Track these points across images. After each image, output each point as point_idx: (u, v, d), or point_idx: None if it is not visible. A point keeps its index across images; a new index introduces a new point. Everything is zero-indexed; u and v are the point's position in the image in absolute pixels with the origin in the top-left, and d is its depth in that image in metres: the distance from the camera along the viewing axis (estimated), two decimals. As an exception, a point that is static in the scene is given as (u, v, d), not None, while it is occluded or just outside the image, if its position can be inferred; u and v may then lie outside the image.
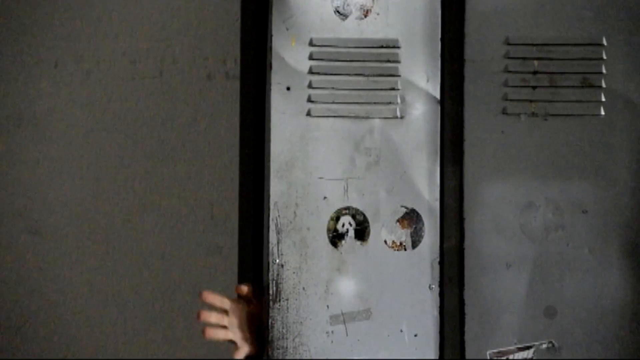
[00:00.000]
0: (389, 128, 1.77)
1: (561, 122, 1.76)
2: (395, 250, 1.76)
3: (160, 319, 2.43)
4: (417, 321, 1.76)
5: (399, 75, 1.77)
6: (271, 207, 1.74)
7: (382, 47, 1.77)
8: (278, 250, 1.74)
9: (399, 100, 1.77)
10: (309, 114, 1.75)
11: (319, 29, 1.76)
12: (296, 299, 1.74)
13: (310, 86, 1.75)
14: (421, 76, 1.78)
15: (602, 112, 1.75)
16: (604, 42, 1.75)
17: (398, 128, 1.78)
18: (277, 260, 1.73)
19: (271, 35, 1.75)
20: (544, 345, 1.74)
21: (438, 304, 1.77)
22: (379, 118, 1.77)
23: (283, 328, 1.73)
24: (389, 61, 1.77)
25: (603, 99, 1.75)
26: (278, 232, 1.74)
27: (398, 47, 1.77)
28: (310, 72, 1.76)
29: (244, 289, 1.76)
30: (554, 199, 1.75)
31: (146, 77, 2.43)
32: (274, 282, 1.73)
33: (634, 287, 1.73)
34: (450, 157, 1.78)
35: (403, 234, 1.77)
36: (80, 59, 2.44)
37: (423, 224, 1.77)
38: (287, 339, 1.73)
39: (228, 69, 2.40)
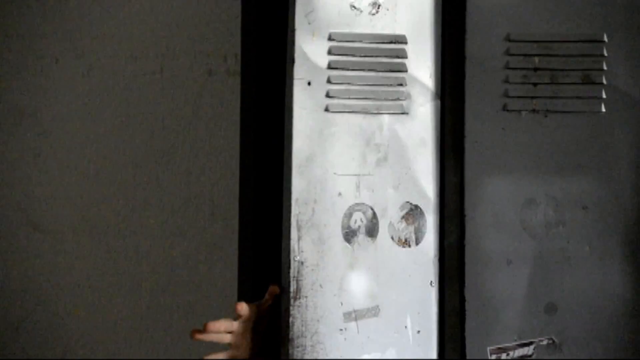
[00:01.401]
0: (396, 124, 1.77)
1: (562, 118, 1.76)
2: (401, 246, 1.76)
3: (160, 315, 2.43)
4: (420, 318, 1.76)
5: (406, 71, 1.77)
6: (292, 203, 1.72)
7: (391, 42, 1.77)
8: (298, 247, 1.72)
9: (405, 96, 1.77)
10: (327, 109, 1.74)
11: (337, 24, 1.75)
12: (314, 297, 1.72)
13: (329, 81, 1.74)
14: (426, 72, 1.78)
15: (603, 109, 1.75)
16: (605, 39, 1.75)
17: (404, 124, 1.77)
18: (297, 258, 1.72)
19: (294, 29, 1.73)
20: (544, 342, 1.75)
21: (435, 300, 1.77)
22: (388, 114, 1.77)
23: (302, 326, 1.71)
24: (397, 57, 1.77)
25: (604, 96, 1.75)
26: (299, 229, 1.72)
27: (405, 43, 1.77)
28: (329, 67, 1.75)
29: (243, 308, 1.70)
30: (555, 196, 1.76)
31: (147, 73, 2.43)
32: (295, 279, 1.71)
33: (634, 284, 1.73)
34: (450, 154, 1.78)
35: (408, 231, 1.77)
36: (80, 55, 2.44)
37: (426, 221, 1.77)
38: (305, 337, 1.70)
39: (229, 65, 2.40)
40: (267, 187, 1.90)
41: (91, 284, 2.44)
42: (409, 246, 1.77)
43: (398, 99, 1.77)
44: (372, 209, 1.75)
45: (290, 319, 1.71)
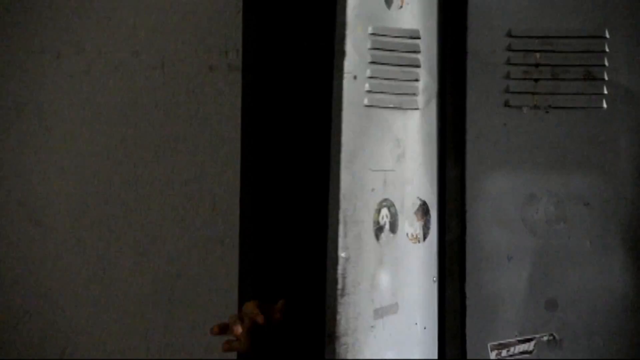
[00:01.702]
0: (411, 119, 1.76)
1: (563, 114, 1.76)
2: (413, 242, 1.76)
3: (160, 311, 2.43)
4: (427, 314, 1.76)
5: (420, 66, 1.76)
6: (341, 199, 1.70)
7: (411, 37, 1.76)
8: (344, 243, 1.70)
9: (419, 91, 1.76)
10: (366, 104, 1.73)
11: (375, 18, 1.73)
12: (354, 294, 1.69)
13: (370, 76, 1.73)
14: (433, 68, 1.78)
15: (604, 105, 1.75)
16: (607, 35, 1.75)
17: (417, 119, 1.77)
18: (343, 254, 1.71)
19: (344, 22, 1.71)
20: (545, 338, 1.75)
21: (437, 297, 1.78)
22: (406, 109, 1.76)
23: (346, 324, 1.69)
24: (414, 52, 1.76)
25: (605, 92, 1.75)
26: (345, 225, 1.71)
27: (418, 38, 1.76)
28: (372, 61, 1.73)
29: (238, 329, 1.71)
30: (556, 192, 1.76)
31: (148, 69, 2.42)
32: (342, 276, 1.69)
33: (635, 280, 1.73)
34: (452, 149, 1.78)
35: (418, 226, 1.76)
36: (82, 50, 2.44)
37: (431, 216, 1.77)
38: (347, 334, 1.68)
39: (230, 61, 2.40)
40: (269, 182, 1.90)
41: (92, 278, 2.44)
42: (419, 242, 1.77)
43: (414, 94, 1.76)
44: (394, 204, 1.75)
45: (337, 317, 1.68)
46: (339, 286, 1.69)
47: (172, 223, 2.42)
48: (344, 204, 1.70)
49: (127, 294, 2.43)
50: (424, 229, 1.77)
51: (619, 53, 1.75)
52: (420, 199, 1.77)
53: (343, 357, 1.68)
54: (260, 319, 1.68)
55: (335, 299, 1.69)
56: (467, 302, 1.76)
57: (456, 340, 1.76)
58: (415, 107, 1.76)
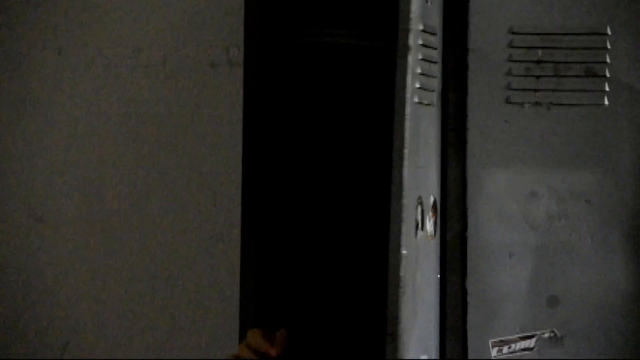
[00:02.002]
0: (430, 115, 1.76)
1: (565, 111, 1.76)
2: (429, 239, 1.76)
3: (162, 307, 2.43)
4: (435, 311, 1.76)
5: (437, 63, 1.76)
6: (404, 197, 1.68)
7: (433, 34, 1.75)
8: (405, 242, 1.68)
9: (435, 87, 1.76)
10: (415, 101, 1.72)
11: (423, 14, 1.72)
12: (407, 293, 1.68)
13: (420, 73, 1.71)
14: (440, 64, 1.77)
15: (606, 102, 1.75)
16: (608, 32, 1.75)
17: (432, 115, 1.77)
18: (405, 252, 1.70)
19: (408, 18, 1.71)
20: (546, 335, 1.75)
21: (438, 294, 1.78)
22: (427, 105, 1.75)
23: (404, 322, 1.67)
24: (434, 48, 1.75)
25: (607, 89, 1.75)
26: (406, 223, 1.69)
27: (435, 34, 1.76)
28: (422, 59, 1.72)
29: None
30: (557, 188, 1.76)
31: (149, 65, 2.43)
32: (404, 275, 1.68)
33: (636, 277, 1.73)
34: (453, 146, 1.78)
35: (432, 223, 1.76)
36: (83, 46, 2.44)
37: (438, 213, 1.77)
38: (405, 333, 1.67)
39: (231, 57, 2.40)
40: (271, 179, 1.90)
41: (93, 275, 2.45)
42: (432, 239, 1.77)
43: (433, 91, 1.76)
44: (423, 202, 1.74)
45: (401, 315, 1.67)
46: (402, 284, 1.69)
47: (173, 219, 2.42)
48: (405, 202, 1.69)
49: (128, 291, 2.43)
50: (434, 226, 1.77)
51: (620, 50, 1.75)
52: (433, 196, 1.77)
53: (400, 357, 1.68)
54: (273, 351, 1.71)
55: (398, 298, 1.68)
56: (468, 299, 1.76)
57: (457, 337, 1.76)
58: (432, 103, 1.76)
